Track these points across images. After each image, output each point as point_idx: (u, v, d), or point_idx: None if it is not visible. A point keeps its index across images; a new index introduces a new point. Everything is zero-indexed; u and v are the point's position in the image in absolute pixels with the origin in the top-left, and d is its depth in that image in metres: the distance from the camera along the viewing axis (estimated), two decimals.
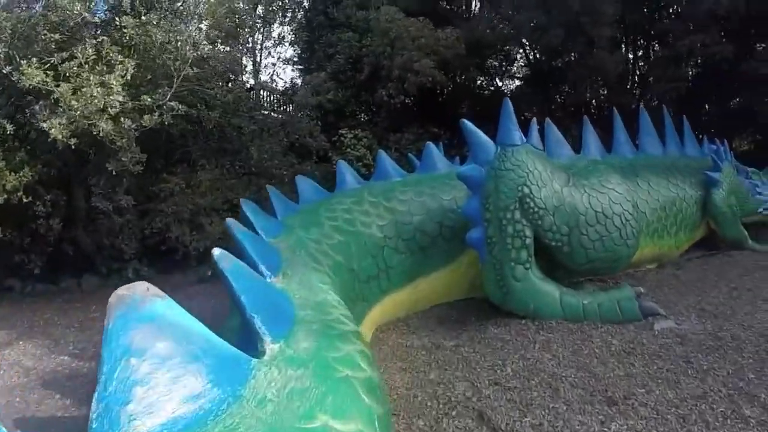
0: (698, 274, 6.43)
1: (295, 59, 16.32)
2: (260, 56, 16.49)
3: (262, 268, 3.41)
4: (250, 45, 15.70)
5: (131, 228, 8.94)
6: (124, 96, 6.92)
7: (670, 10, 10.65)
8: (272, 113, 11.93)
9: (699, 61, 9.68)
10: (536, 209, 4.65)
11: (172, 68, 7.78)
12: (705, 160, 7.78)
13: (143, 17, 7.62)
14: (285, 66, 17.06)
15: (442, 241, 5.28)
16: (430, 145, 6.14)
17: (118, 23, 7.47)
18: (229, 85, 10.42)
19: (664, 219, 6.50)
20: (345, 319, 3.14)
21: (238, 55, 12.43)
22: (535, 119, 5.40)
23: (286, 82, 15.73)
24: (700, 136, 9.18)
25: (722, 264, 6.94)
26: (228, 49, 10.50)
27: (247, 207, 4.66)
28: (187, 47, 7.70)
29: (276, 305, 2.88)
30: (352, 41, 12.22)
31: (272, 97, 14.60)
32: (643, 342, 4.30)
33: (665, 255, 6.79)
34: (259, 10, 12.73)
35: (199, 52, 7.94)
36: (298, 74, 16.14)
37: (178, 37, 7.81)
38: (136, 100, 7.35)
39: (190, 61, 7.83)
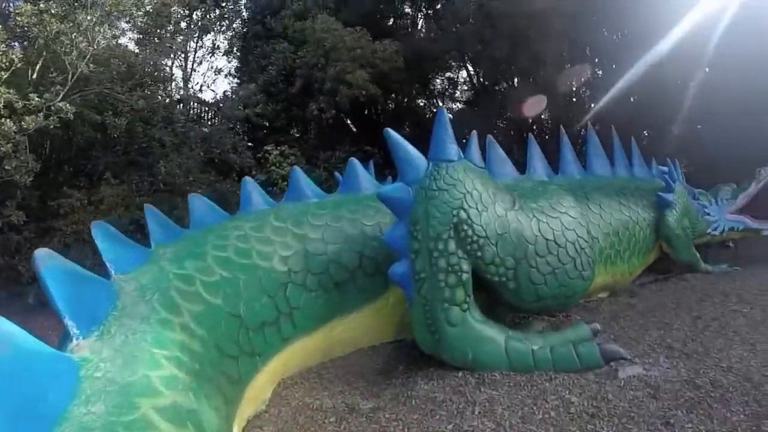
0: (655, 301, 5.90)
1: (233, 71, 15.16)
2: (192, 65, 15.23)
3: (69, 323, 2.38)
4: (181, 53, 14.43)
5: (30, 247, 7.54)
6: (5, 93, 5.68)
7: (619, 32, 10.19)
8: (197, 126, 10.70)
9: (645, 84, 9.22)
10: (475, 238, 3.73)
11: (66, 63, 6.56)
12: (655, 182, 7.31)
13: (41, 4, 6.45)
14: (218, 77, 15.87)
15: (362, 276, 4.30)
16: (354, 161, 5.16)
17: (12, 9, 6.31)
18: (145, 91, 9.17)
19: (617, 244, 5.84)
20: (159, 419, 2.03)
21: (163, 60, 11.19)
22: (475, 132, 4.53)
23: (217, 94, 14.52)
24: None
25: (678, 289, 6.48)
26: (143, 51, 9.31)
27: (99, 231, 3.49)
28: (81, 39, 6.50)
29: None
30: (286, 52, 11.25)
31: (201, 109, 13.34)
32: (609, 397, 3.42)
33: (618, 282, 6.20)
34: (196, 16, 11.56)
35: (95, 47, 6.73)
36: (230, 86, 14.97)
37: (73, 27, 6.62)
38: (26, 100, 6.12)
39: (87, 57, 6.63)
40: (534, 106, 9.85)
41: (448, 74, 13.22)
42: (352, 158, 5.22)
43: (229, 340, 3.42)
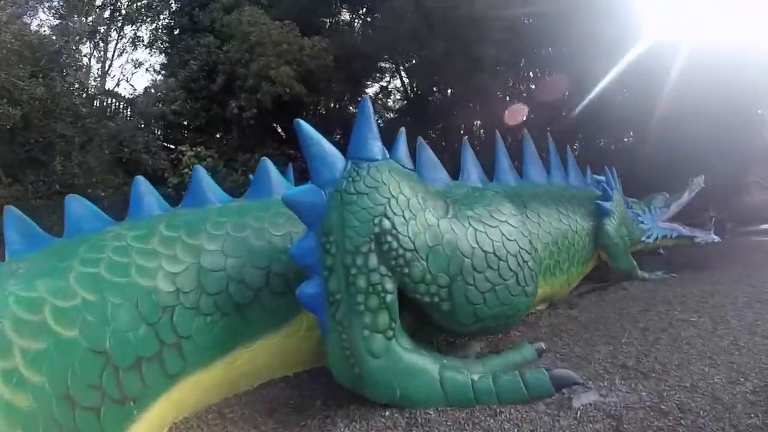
0: (597, 312, 5.59)
1: (156, 66, 13.90)
2: (112, 56, 13.84)
3: None
4: (102, 42, 13.11)
5: None
6: None
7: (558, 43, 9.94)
8: (110, 122, 9.50)
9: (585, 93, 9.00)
10: (401, 251, 3.08)
11: None
12: (590, 191, 7.04)
13: None
14: (137, 71, 14.58)
15: (269, 296, 3.53)
16: (266, 161, 4.36)
17: None
18: (47, 79, 7.96)
19: (557, 254, 5.44)
20: None
21: (75, 47, 9.94)
22: (403, 129, 3.89)
23: (136, 90, 13.23)
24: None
25: (619, 298, 6.25)
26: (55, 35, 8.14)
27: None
28: None
29: None
30: (211, 47, 10.27)
31: (116, 104, 12.04)
32: None
33: (557, 293, 5.86)
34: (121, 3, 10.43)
35: None
36: (150, 82, 13.71)
37: None
38: None
39: None
40: (515, 115, 9.43)
41: (381, 82, 12.61)
42: (264, 158, 4.44)
43: (85, 387, 2.59)
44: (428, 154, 4.85)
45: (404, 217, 3.10)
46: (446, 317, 3.29)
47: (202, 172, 4.16)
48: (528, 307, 3.77)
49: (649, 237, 7.80)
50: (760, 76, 10.82)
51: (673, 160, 10.53)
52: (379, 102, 13.53)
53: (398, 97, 13.97)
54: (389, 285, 3.02)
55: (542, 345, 3.90)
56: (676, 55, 10.06)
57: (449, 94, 10.24)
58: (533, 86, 9.07)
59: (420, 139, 4.99)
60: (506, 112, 9.48)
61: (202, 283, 3.35)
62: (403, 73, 11.95)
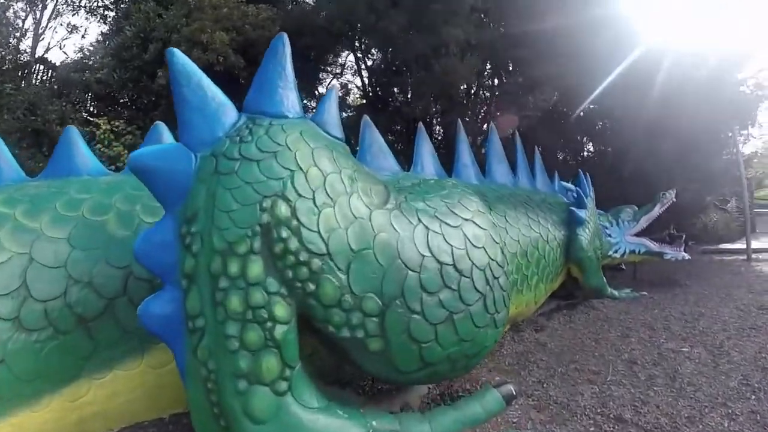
0: (569, 338, 4.64)
1: (96, 34, 12.21)
2: (48, 21, 12.06)
3: None
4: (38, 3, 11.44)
5: None
6: None
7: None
8: (27, 89, 7.96)
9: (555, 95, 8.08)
10: (305, 256, 1.90)
11: None
12: (558, 198, 6.08)
13: None
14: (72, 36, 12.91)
15: (126, 308, 2.31)
16: (159, 124, 3.15)
17: None
18: None
19: (525, 268, 4.42)
20: None
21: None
22: (336, 83, 2.72)
23: (68, 57, 11.49)
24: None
25: (591, 320, 5.33)
26: None
27: None
28: None
29: None
30: (150, 13, 8.83)
31: (44, 70, 10.35)
32: None
33: (522, 314, 4.85)
34: None
35: None
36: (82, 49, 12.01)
37: None
38: None
39: None
40: (507, 124, 8.30)
41: (333, 58, 11.12)
42: (157, 122, 3.19)
43: None
44: (374, 135, 3.68)
45: (315, 203, 1.92)
46: (376, 361, 2.10)
47: (73, 134, 2.89)
48: (496, 341, 2.65)
49: (616, 251, 6.94)
50: (734, 98, 10.34)
51: (644, 175, 9.82)
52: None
53: (357, 95, 12.62)
54: (281, 310, 1.82)
55: (511, 388, 2.84)
56: (654, 72, 9.36)
57: (410, 74, 8.96)
58: (505, 79, 8.09)
59: (366, 117, 3.83)
60: (498, 118, 8.46)
61: (28, 284, 2.14)
62: (362, 66, 10.68)
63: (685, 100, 10.06)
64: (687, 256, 7.86)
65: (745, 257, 10.66)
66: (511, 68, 8.41)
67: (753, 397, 3.06)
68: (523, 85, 7.99)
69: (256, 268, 1.79)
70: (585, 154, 10.84)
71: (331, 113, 2.41)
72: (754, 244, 13.28)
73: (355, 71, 11.14)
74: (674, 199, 7.77)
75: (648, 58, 9.21)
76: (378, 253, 2.03)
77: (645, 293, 6.88)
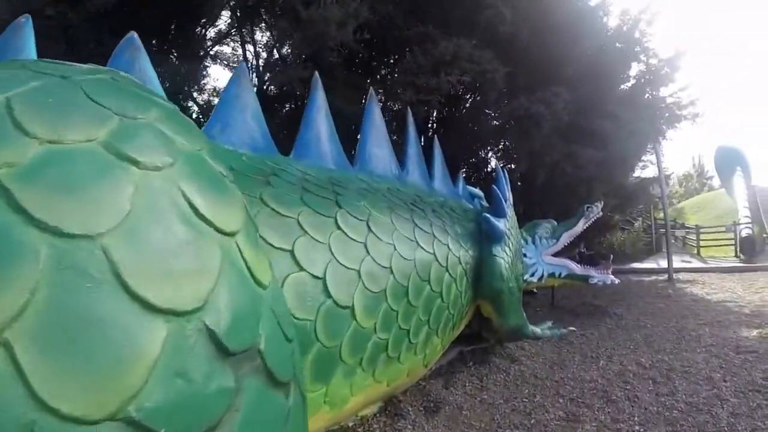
0: (485, 424, 2.79)
1: None
2: None
3: None
4: None
5: None
6: None
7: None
8: None
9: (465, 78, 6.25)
10: None
11: None
12: (463, 204, 4.00)
13: None
14: None
15: None
16: None
17: None
18: None
19: (403, 315, 2.33)
20: None
21: None
22: None
23: None
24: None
25: (512, 384, 3.52)
26: None
27: None
28: None
29: None
30: None
31: None
32: None
33: (401, 386, 2.70)
34: None
35: None
36: None
37: None
38: None
39: None
40: None
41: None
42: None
43: None
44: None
45: None
46: None
47: None
48: None
49: (532, 274, 5.06)
50: (656, 113, 9.23)
51: (561, 185, 8.31)
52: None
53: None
54: None
55: None
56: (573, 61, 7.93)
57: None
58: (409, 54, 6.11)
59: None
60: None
61: None
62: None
63: (604, 100, 8.79)
64: (616, 281, 6.23)
65: (665, 277, 9.43)
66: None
67: None
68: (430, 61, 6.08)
69: None
70: (490, 156, 9.22)
71: None
72: (661, 263, 12.40)
73: None
74: (600, 213, 6.13)
75: (567, 45, 7.77)
76: None
77: (573, 329, 5.16)
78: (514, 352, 4.08)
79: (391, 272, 2.21)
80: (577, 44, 7.90)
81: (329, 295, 1.75)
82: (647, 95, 9.55)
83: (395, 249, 2.27)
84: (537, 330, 4.38)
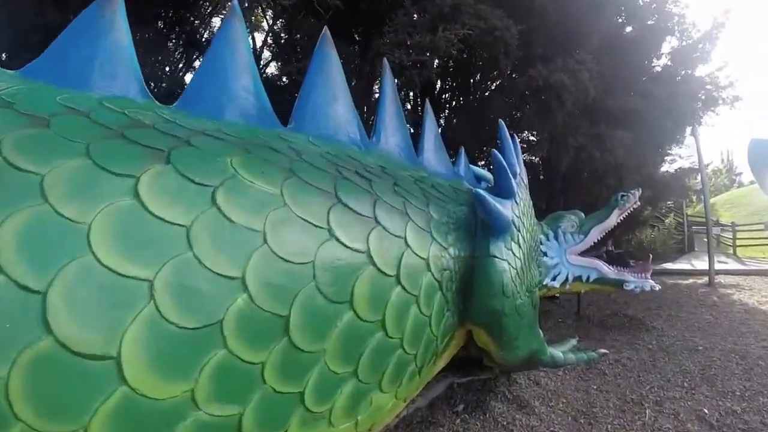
0: None
1: None
2: None
3: None
4: None
5: None
6: None
7: None
8: None
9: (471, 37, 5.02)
10: None
11: None
12: (462, 185, 2.61)
13: None
14: None
15: None
16: None
17: None
18: None
19: (337, 363, 1.16)
20: None
21: None
22: None
23: None
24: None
25: None
26: None
27: None
28: None
29: None
30: None
31: None
32: None
33: None
34: None
35: None
36: None
37: None
38: None
39: None
40: None
41: None
42: None
43: None
44: None
45: None
46: None
47: None
48: None
49: (554, 278, 3.74)
50: (693, 91, 7.81)
51: (586, 173, 7.00)
52: None
53: None
54: None
55: None
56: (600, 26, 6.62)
57: None
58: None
59: None
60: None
61: None
62: None
63: (633, 77, 7.42)
64: (656, 286, 4.88)
65: (705, 281, 7.99)
66: None
67: None
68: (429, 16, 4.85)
69: None
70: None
71: None
72: (696, 264, 10.89)
73: None
74: (638, 203, 4.77)
75: (591, 10, 6.47)
76: None
77: (604, 351, 3.87)
78: (523, 392, 2.85)
79: (318, 290, 1.05)
80: (601, 11, 6.59)
81: None
82: (681, 75, 8.14)
83: (335, 242, 1.10)
84: (558, 355, 3.09)
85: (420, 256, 1.60)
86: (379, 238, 1.41)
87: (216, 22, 7.35)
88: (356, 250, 1.31)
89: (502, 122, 2.65)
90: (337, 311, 1.23)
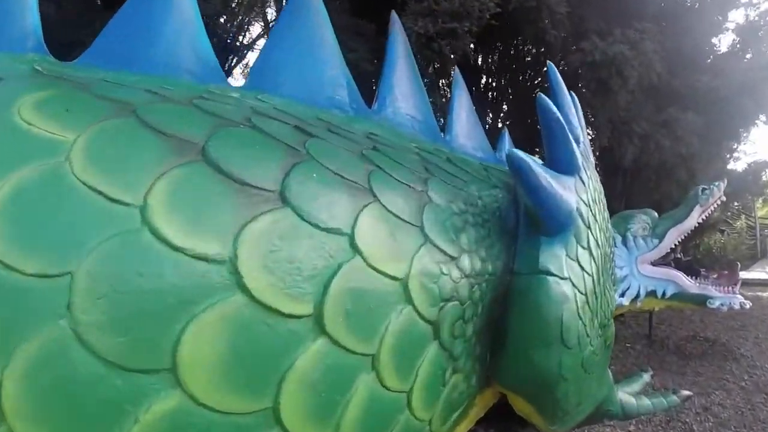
0: None
1: None
2: None
3: None
4: None
5: None
6: None
7: None
8: None
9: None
10: None
11: None
12: (490, 166, 1.58)
13: None
14: None
15: None
16: None
17: None
18: None
19: None
20: None
21: None
22: None
23: None
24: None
25: None
26: None
27: None
28: None
29: None
30: None
31: None
32: None
33: None
34: None
35: None
36: None
37: None
38: None
39: None
40: None
41: None
42: None
43: None
44: None
45: None
46: None
47: None
48: None
49: (623, 294, 2.80)
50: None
51: (653, 165, 5.86)
52: None
53: None
54: None
55: None
56: None
57: None
58: None
59: None
60: None
61: None
62: None
63: (700, 54, 6.24)
64: (747, 304, 3.77)
65: None
66: None
67: None
68: None
69: None
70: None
71: None
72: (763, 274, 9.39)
73: None
74: (723, 198, 3.67)
75: None
76: None
77: (688, 393, 2.82)
78: None
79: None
80: None
81: None
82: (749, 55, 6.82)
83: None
84: (630, 403, 2.08)
85: (383, 273, 0.75)
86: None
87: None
88: None
89: (552, 65, 1.72)
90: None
